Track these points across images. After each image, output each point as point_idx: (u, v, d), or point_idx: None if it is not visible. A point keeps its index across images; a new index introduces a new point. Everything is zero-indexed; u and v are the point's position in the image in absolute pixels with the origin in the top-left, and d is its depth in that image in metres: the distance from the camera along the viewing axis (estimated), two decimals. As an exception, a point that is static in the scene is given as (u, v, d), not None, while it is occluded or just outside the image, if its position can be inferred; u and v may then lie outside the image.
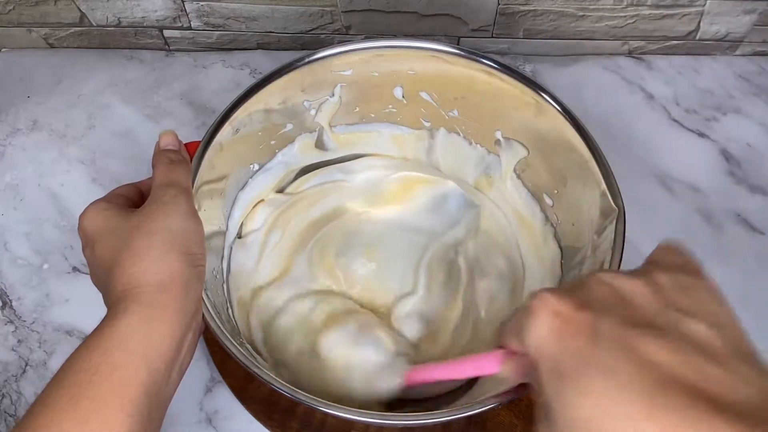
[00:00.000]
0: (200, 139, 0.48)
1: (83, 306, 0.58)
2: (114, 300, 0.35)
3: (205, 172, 0.48)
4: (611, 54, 0.71)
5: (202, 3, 0.67)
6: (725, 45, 0.70)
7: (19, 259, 0.61)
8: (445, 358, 0.51)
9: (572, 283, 0.26)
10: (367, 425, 0.52)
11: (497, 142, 0.56)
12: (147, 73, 0.71)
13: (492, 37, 0.69)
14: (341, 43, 0.52)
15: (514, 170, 0.56)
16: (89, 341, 0.34)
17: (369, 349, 0.47)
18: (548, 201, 0.55)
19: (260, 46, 0.73)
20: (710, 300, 0.25)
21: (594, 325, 0.23)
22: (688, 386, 0.22)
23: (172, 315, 0.35)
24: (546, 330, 0.24)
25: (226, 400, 0.54)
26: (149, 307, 0.35)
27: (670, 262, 0.27)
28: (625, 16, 0.66)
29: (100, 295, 0.39)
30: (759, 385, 0.22)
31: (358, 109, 0.58)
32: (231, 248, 0.55)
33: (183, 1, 0.66)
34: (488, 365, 0.34)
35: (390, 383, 0.45)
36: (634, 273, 0.25)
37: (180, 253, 0.37)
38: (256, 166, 0.56)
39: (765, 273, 0.58)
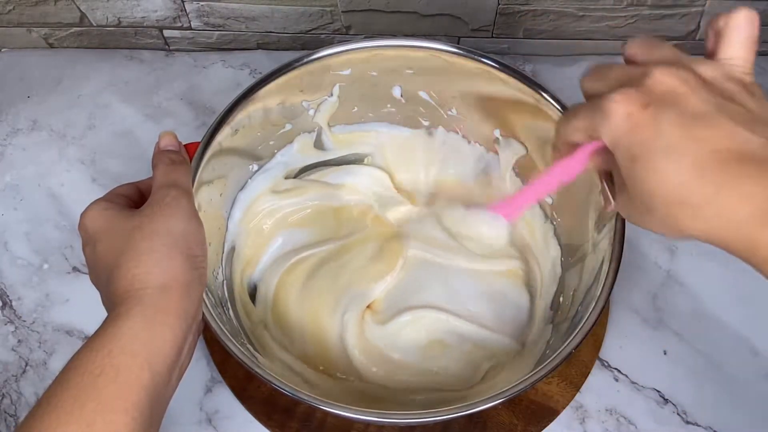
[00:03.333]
0: (200, 140, 0.48)
1: (83, 306, 0.58)
2: (116, 301, 0.35)
3: (204, 173, 0.48)
4: (611, 54, 0.71)
5: (202, 3, 0.67)
6: (725, 44, 0.69)
7: (19, 259, 0.61)
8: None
9: (634, 74, 0.31)
10: (367, 424, 0.52)
11: (496, 140, 0.56)
12: (147, 73, 0.71)
13: (492, 37, 0.69)
14: (339, 42, 0.52)
15: (513, 168, 0.56)
16: (92, 342, 0.34)
17: None
18: (547, 199, 0.55)
19: (260, 46, 0.73)
20: (745, 88, 0.31)
21: (657, 120, 0.30)
22: (727, 150, 0.29)
23: (174, 318, 0.35)
24: (621, 127, 0.30)
25: (226, 400, 0.54)
26: (152, 310, 0.35)
27: (703, 62, 0.32)
28: (625, 16, 0.66)
29: (99, 294, 0.39)
30: None
31: (356, 108, 0.58)
32: (233, 246, 0.55)
33: (183, 1, 0.67)
34: (576, 164, 0.36)
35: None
36: (681, 69, 0.31)
37: (182, 255, 0.37)
38: (255, 167, 0.56)
39: (765, 272, 0.58)
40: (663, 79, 0.30)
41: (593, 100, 0.32)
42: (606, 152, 0.33)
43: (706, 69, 0.31)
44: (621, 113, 0.30)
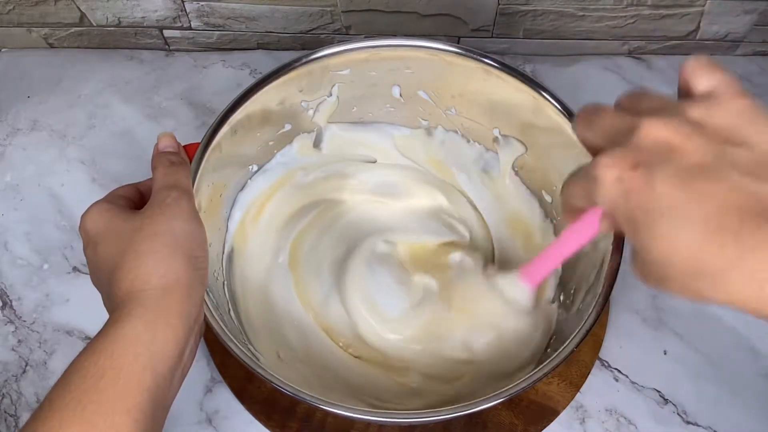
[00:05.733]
0: (199, 141, 0.48)
1: (83, 306, 0.58)
2: (117, 302, 0.35)
3: (204, 174, 0.48)
4: (611, 54, 0.71)
5: (202, 3, 0.67)
6: (725, 45, 0.69)
7: (19, 259, 0.61)
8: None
9: (621, 128, 0.29)
10: (367, 424, 0.52)
11: (495, 139, 0.56)
12: (147, 73, 0.71)
13: (492, 37, 0.69)
14: (339, 42, 0.52)
15: (513, 167, 0.56)
16: (94, 344, 0.34)
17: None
18: (547, 198, 0.55)
19: (260, 46, 0.73)
20: (742, 117, 0.28)
21: (650, 180, 0.27)
22: (740, 207, 0.25)
23: (176, 319, 0.35)
24: (613, 194, 0.28)
25: (226, 400, 0.54)
26: (154, 311, 0.35)
27: (699, 95, 0.30)
28: (625, 16, 0.66)
29: (100, 295, 0.39)
30: None
31: (355, 108, 0.58)
32: (233, 247, 0.55)
33: (183, 1, 0.67)
34: (587, 229, 0.36)
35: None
36: (670, 118, 0.28)
37: (184, 255, 0.37)
38: (255, 167, 0.56)
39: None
40: (651, 131, 0.27)
41: (587, 164, 0.30)
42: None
43: (694, 110, 0.28)
44: (610, 179, 0.28)
